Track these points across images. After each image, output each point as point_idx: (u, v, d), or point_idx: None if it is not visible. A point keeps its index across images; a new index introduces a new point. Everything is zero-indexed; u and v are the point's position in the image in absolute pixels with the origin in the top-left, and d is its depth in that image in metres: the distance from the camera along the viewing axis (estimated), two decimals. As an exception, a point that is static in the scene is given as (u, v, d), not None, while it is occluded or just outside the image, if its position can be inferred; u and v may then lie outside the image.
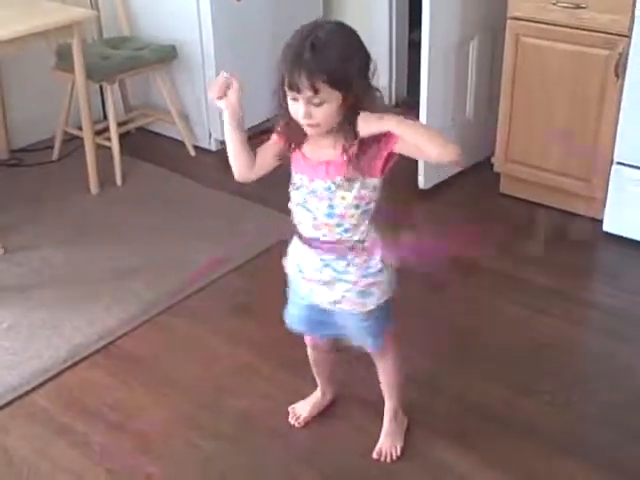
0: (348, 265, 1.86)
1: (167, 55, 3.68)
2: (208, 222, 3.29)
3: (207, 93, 1.75)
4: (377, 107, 1.73)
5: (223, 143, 3.76)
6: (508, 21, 3.13)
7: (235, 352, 2.58)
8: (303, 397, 2.34)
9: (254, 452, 2.21)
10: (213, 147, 3.92)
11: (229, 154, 1.85)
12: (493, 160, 3.47)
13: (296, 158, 1.82)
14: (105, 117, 3.72)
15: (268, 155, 1.85)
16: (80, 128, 3.51)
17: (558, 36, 3.04)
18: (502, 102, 3.29)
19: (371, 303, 1.91)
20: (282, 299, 2.70)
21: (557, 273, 2.95)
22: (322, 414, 2.32)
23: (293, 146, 1.80)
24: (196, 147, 3.91)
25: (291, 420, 2.29)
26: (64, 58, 3.45)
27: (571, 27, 2.99)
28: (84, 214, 3.39)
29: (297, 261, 1.94)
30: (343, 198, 1.78)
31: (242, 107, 1.76)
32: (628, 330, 2.68)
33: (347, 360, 2.31)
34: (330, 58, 1.63)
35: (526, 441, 2.22)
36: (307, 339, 2.18)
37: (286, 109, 1.72)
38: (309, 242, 1.87)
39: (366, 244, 1.86)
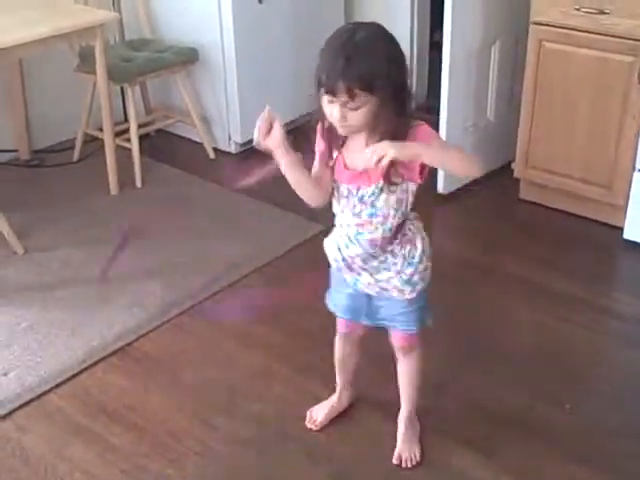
0: (394, 257, 1.91)
1: (188, 57, 3.69)
2: (227, 223, 3.30)
3: (254, 136, 1.76)
4: (409, 110, 1.75)
5: (243, 145, 3.89)
6: (531, 26, 3.11)
7: (252, 356, 2.58)
8: (319, 401, 2.34)
9: (269, 456, 2.21)
10: (233, 149, 3.93)
11: (295, 187, 1.85)
12: (513, 166, 3.45)
13: (339, 168, 1.85)
14: (126, 119, 3.73)
15: (323, 169, 1.87)
16: (101, 129, 3.53)
17: (581, 42, 3.01)
18: (523, 107, 3.27)
19: (414, 291, 1.96)
20: (301, 303, 2.73)
21: (577, 280, 2.93)
22: (338, 418, 2.31)
23: (335, 153, 1.83)
24: (216, 150, 3.92)
25: (308, 424, 2.29)
26: (86, 60, 3.47)
27: (594, 33, 2.97)
28: (104, 215, 3.40)
29: (341, 250, 1.95)
30: (386, 200, 1.82)
31: (287, 140, 1.76)
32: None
33: (362, 363, 2.30)
34: (366, 65, 1.65)
35: (543, 449, 2.20)
36: (343, 328, 2.18)
37: (322, 109, 1.74)
38: (356, 238, 1.90)
39: (408, 236, 1.90)
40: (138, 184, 3.62)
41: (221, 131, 3.92)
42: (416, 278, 1.94)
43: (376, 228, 1.87)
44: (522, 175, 3.41)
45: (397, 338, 2.10)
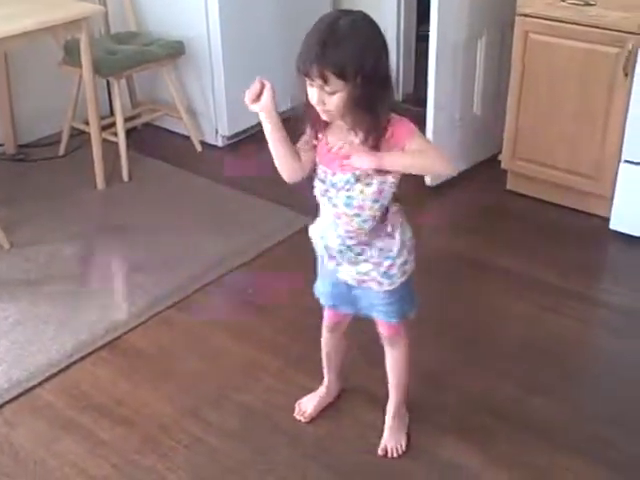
0: (370, 248, 1.91)
1: (175, 50, 3.67)
2: (214, 217, 3.30)
3: (244, 98, 1.76)
4: (387, 104, 1.75)
5: (229, 139, 3.89)
6: (517, 18, 3.12)
7: (241, 348, 2.58)
8: (308, 393, 2.34)
9: (260, 448, 2.21)
10: (220, 143, 3.92)
11: (274, 156, 1.86)
12: (500, 157, 3.46)
13: (320, 149, 1.85)
14: (112, 112, 3.71)
15: (308, 148, 1.86)
16: (87, 123, 3.51)
17: (567, 33, 3.02)
18: (510, 99, 3.28)
19: (393, 284, 1.95)
20: (290, 295, 2.73)
21: (565, 271, 2.94)
22: (327, 410, 2.32)
23: (318, 134, 1.83)
24: (203, 143, 3.91)
25: (297, 415, 2.30)
26: (71, 53, 3.45)
27: (580, 24, 2.98)
28: (91, 209, 3.39)
29: (322, 238, 1.96)
30: (362, 192, 1.82)
31: (276, 107, 1.77)
32: (637, 328, 2.67)
33: (352, 356, 2.31)
34: (341, 53, 1.65)
35: (536, 439, 2.21)
36: (328, 318, 2.18)
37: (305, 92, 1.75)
38: (334, 229, 1.90)
39: (387, 229, 1.90)
40: (125, 178, 3.60)
41: (208, 124, 3.91)
42: (394, 271, 1.94)
43: (351, 220, 1.86)
44: (509, 166, 3.42)
45: (381, 326, 2.10)
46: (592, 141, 3.11)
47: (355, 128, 1.76)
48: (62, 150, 3.81)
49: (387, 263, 1.92)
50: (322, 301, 2.13)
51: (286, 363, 2.50)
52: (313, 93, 1.71)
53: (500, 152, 3.46)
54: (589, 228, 3.22)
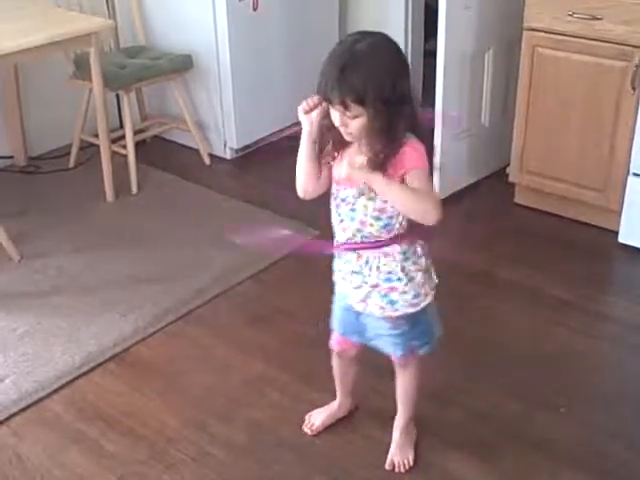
0: (369, 268, 1.90)
1: (183, 64, 3.70)
2: (222, 230, 3.28)
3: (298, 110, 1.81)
4: (409, 123, 1.74)
5: (238, 151, 3.90)
6: (524, 32, 3.13)
7: (249, 362, 2.58)
8: (316, 407, 2.34)
9: (266, 462, 2.21)
10: (228, 156, 3.94)
11: (299, 171, 1.89)
12: (508, 170, 3.47)
13: (337, 167, 1.87)
14: (121, 125, 3.74)
15: (327, 167, 1.89)
16: (96, 136, 3.54)
17: (574, 47, 3.03)
18: (517, 112, 3.28)
19: (395, 310, 1.94)
20: (298, 309, 2.73)
21: (573, 284, 2.94)
22: (335, 424, 2.31)
23: (337, 154, 1.85)
24: (211, 156, 3.93)
25: (305, 427, 2.30)
26: (81, 67, 3.48)
27: (587, 38, 2.98)
28: (100, 222, 3.41)
29: (336, 263, 1.99)
30: (365, 206, 1.84)
31: (320, 129, 1.81)
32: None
33: (361, 371, 2.30)
34: (359, 79, 1.66)
35: (541, 454, 2.20)
36: (335, 345, 2.18)
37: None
38: (341, 246, 1.92)
39: (387, 250, 1.88)
40: (134, 190, 3.62)
41: (216, 137, 3.93)
42: (396, 297, 1.92)
43: (354, 234, 1.87)
44: (517, 180, 3.42)
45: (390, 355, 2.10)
46: (600, 154, 3.11)
47: (371, 147, 1.76)
48: (72, 162, 3.84)
49: (386, 286, 1.91)
50: (334, 327, 2.13)
51: (293, 377, 2.50)
52: (336, 116, 1.74)
53: (508, 165, 3.46)
54: (598, 241, 3.21)
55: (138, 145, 3.72)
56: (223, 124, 3.86)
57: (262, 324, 2.75)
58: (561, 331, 2.71)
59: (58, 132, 3.88)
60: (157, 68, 3.60)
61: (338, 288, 2.03)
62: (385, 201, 1.81)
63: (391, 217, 1.84)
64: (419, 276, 1.92)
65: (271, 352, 2.62)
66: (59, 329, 2.72)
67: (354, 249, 1.90)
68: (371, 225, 1.85)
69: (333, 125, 1.78)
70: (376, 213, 1.84)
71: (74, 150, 3.81)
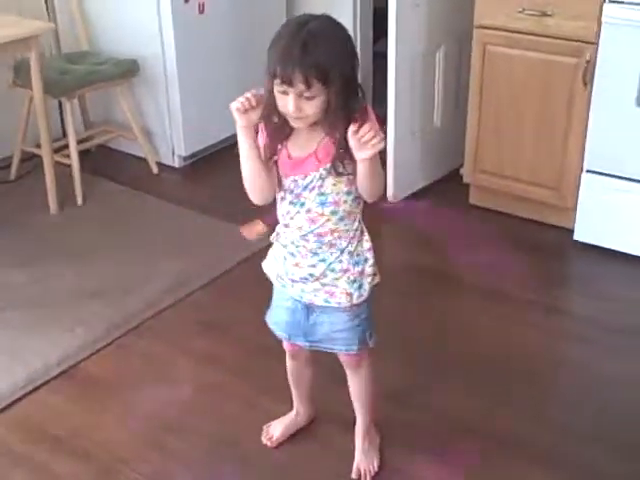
0: (342, 253, 1.83)
1: (128, 70, 3.58)
2: (172, 239, 3.21)
3: (231, 106, 1.70)
4: (360, 104, 1.70)
5: (187, 159, 3.79)
6: (475, 30, 3.10)
7: (204, 373, 2.49)
8: (274, 418, 2.26)
9: (226, 475, 2.11)
10: (177, 164, 3.83)
11: (248, 176, 1.79)
12: (462, 171, 3.43)
13: (283, 161, 1.78)
14: (65, 134, 3.61)
15: (271, 165, 1.80)
16: (39, 146, 3.40)
17: (525, 44, 3.01)
18: (470, 111, 3.25)
19: (360, 295, 1.87)
20: (251, 317, 2.63)
21: (530, 283, 2.91)
22: (296, 435, 2.23)
23: (279, 146, 1.76)
24: (159, 164, 3.81)
25: (264, 439, 2.21)
26: (21, 73, 3.35)
27: (538, 35, 2.96)
28: (43, 234, 3.27)
29: (283, 264, 1.89)
30: (334, 185, 1.75)
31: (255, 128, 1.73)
32: (603, 337, 2.64)
33: (318, 375, 2.22)
34: (323, 53, 1.61)
35: (508, 455, 2.15)
36: (287, 347, 2.10)
37: (272, 102, 1.68)
38: (303, 238, 1.82)
39: (357, 231, 1.84)
40: (79, 201, 3.49)
41: (164, 145, 3.82)
42: (364, 279, 1.87)
43: (328, 219, 1.78)
44: (471, 180, 3.39)
45: (342, 357, 2.03)
46: (554, 152, 3.09)
47: (331, 132, 1.69)
48: (13, 174, 3.69)
49: (357, 269, 1.85)
50: (277, 332, 2.04)
51: (250, 387, 2.41)
52: (289, 101, 1.64)
53: (462, 166, 3.43)
54: (554, 240, 3.19)
55: (83, 155, 3.60)
56: (171, 131, 3.75)
57: (216, 334, 2.66)
58: (520, 329, 2.68)
59: (-2, 143, 3.74)
60: (101, 73, 3.48)
61: (287, 289, 1.92)
62: (354, 173, 1.73)
63: (356, 189, 1.77)
64: (371, 254, 1.87)
65: (226, 362, 2.53)
66: (1, 347, 2.58)
67: (329, 243, 1.81)
68: (344, 202, 1.78)
69: (271, 116, 1.70)
70: (347, 188, 1.76)
71: (15, 161, 3.67)
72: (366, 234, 1.87)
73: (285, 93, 1.64)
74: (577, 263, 3.15)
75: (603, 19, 2.79)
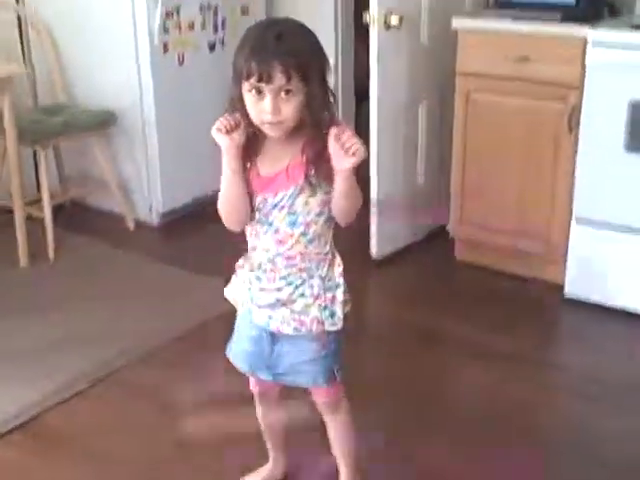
0: (311, 278, 1.70)
1: (105, 120, 3.51)
2: (145, 293, 3.08)
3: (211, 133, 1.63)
4: (332, 109, 1.63)
5: (165, 216, 3.68)
6: (457, 77, 3.07)
7: (172, 425, 2.30)
8: (249, 473, 2.08)
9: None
10: (154, 220, 3.71)
11: (229, 199, 1.68)
12: (448, 227, 3.33)
13: (253, 179, 1.67)
14: (39, 188, 3.50)
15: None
16: (11, 197, 3.29)
17: (508, 90, 2.97)
18: (454, 162, 3.18)
19: (333, 324, 1.73)
20: (226, 370, 2.48)
21: (522, 340, 2.78)
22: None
23: (248, 164, 1.65)
24: (136, 221, 3.70)
25: (239, 496, 2.02)
26: (-6, 122, 3.27)
27: (521, 80, 2.93)
28: (10, 288, 3.12)
29: (248, 290, 1.76)
30: (306, 203, 1.65)
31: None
32: (595, 391, 2.51)
33: (298, 429, 2.07)
34: (299, 44, 1.55)
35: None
36: (253, 387, 1.94)
37: (243, 113, 1.59)
38: (271, 261, 1.70)
39: (328, 255, 1.72)
40: (51, 255, 3.36)
41: (141, 200, 3.71)
42: (336, 306, 1.73)
43: (297, 241, 1.67)
44: (457, 233, 3.29)
45: (317, 393, 1.87)
46: (541, 200, 3.01)
47: (314, 134, 1.59)
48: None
49: (329, 295, 1.71)
50: (237, 365, 1.87)
51: (226, 439, 2.22)
52: (265, 102, 1.54)
53: (447, 221, 3.33)
54: (543, 296, 3.07)
55: (57, 210, 3.51)
56: (148, 185, 3.66)
57: (188, 386, 2.49)
58: (513, 384, 2.54)
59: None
60: (77, 123, 3.41)
61: (253, 316, 1.77)
62: (328, 193, 1.63)
63: (329, 210, 1.67)
64: (342, 280, 1.74)
65: (199, 414, 2.35)
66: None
67: (299, 267, 1.69)
68: (315, 223, 1.67)
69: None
70: (319, 208, 1.66)
71: (-15, 214, 3.55)
72: (338, 258, 1.74)
73: (260, 94, 1.54)
74: (568, 318, 3.03)
75: (587, 63, 2.76)
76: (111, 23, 3.51)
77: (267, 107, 1.54)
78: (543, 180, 2.99)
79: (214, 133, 1.61)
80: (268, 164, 1.65)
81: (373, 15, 2.99)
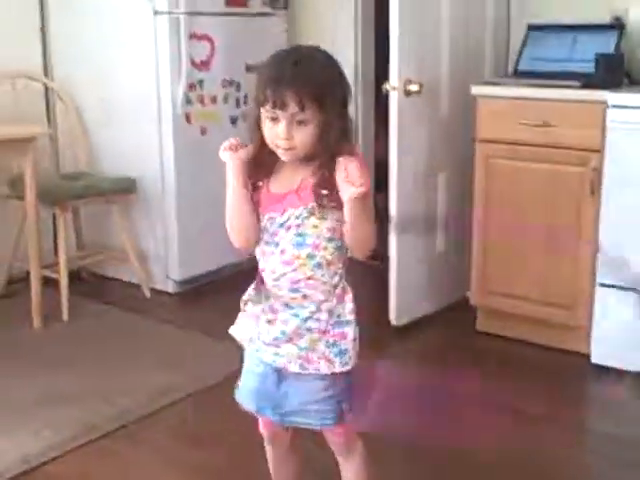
0: (318, 310, 1.63)
1: (126, 186, 3.54)
2: (157, 354, 3.02)
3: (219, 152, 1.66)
4: (350, 139, 1.61)
5: (182, 285, 3.64)
6: (477, 143, 3.07)
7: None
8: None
9: None
10: (170, 289, 3.68)
11: (235, 216, 1.66)
12: (469, 294, 3.26)
13: (263, 197, 1.64)
14: (56, 253, 3.49)
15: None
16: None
17: (528, 155, 2.96)
18: (475, 229, 3.14)
19: (342, 363, 1.64)
20: (239, 429, 2.39)
21: (549, 403, 2.68)
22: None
23: (260, 183, 1.63)
24: (152, 289, 3.67)
25: None
26: (16, 186, 3.31)
27: (541, 145, 2.93)
28: (22, 345, 3.09)
29: (256, 325, 1.69)
30: (315, 227, 1.59)
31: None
32: (630, 457, 2.38)
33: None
34: (317, 73, 1.53)
35: None
36: (263, 429, 1.83)
37: (259, 135, 1.59)
38: (275, 284, 1.64)
39: (337, 290, 1.64)
40: (65, 317, 3.32)
41: (158, 268, 3.68)
42: (346, 345, 1.65)
43: (303, 263, 1.60)
44: (478, 302, 3.21)
45: (328, 434, 1.77)
46: (564, 266, 2.95)
47: (321, 166, 1.57)
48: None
49: (338, 331, 1.64)
50: (244, 404, 1.79)
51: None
52: (280, 128, 1.53)
53: (468, 290, 3.27)
54: (569, 364, 2.96)
55: (73, 277, 3.48)
56: (166, 254, 3.64)
57: (201, 444, 2.39)
58: (542, 445, 2.41)
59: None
60: (97, 188, 3.44)
61: (258, 353, 1.70)
62: (339, 221, 1.59)
63: (341, 238, 1.61)
64: (354, 317, 1.66)
65: (214, 471, 2.24)
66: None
67: (304, 294, 1.63)
68: (325, 249, 1.61)
69: (259, 150, 1.61)
70: (329, 234, 1.60)
71: (1, 278, 3.53)
72: (350, 294, 1.67)
73: (276, 120, 1.54)
74: (597, 384, 2.90)
75: (607, 125, 2.76)
76: (135, 93, 3.58)
77: (281, 133, 1.54)
78: (566, 244, 2.93)
79: (221, 152, 1.63)
80: (279, 183, 1.63)
81: (393, 84, 3.04)
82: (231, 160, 1.62)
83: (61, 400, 2.61)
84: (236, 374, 2.68)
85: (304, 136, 1.54)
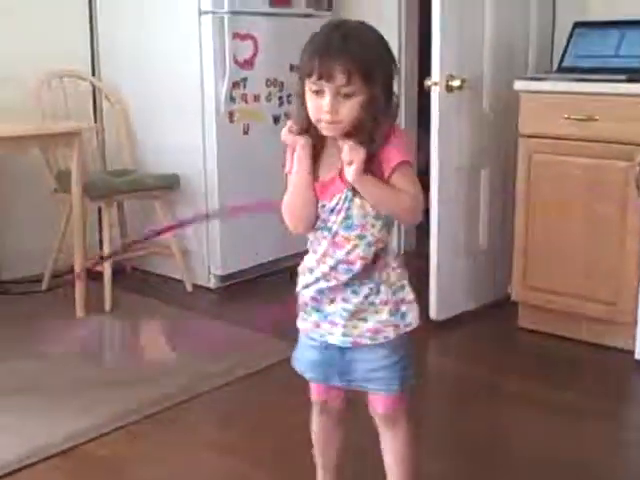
0: (376, 284, 1.65)
1: (170, 183, 3.59)
2: (197, 344, 2.99)
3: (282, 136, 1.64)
4: (394, 115, 1.61)
5: (223, 280, 3.67)
6: (520, 139, 3.06)
7: (225, 462, 2.22)
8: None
9: None
10: (212, 284, 3.71)
11: (297, 204, 1.64)
12: (510, 289, 3.24)
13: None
14: (101, 248, 3.56)
15: None
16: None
17: (572, 150, 2.93)
18: (517, 224, 3.12)
19: (408, 324, 1.67)
20: (278, 416, 2.43)
21: (591, 398, 2.64)
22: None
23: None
24: (193, 285, 3.70)
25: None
26: (62, 181, 3.38)
27: (585, 140, 2.89)
28: (64, 334, 3.10)
29: (314, 302, 1.70)
30: (362, 206, 1.60)
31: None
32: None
33: (347, 459, 1.92)
34: (365, 46, 1.53)
35: None
36: (317, 396, 1.83)
37: (303, 110, 1.58)
38: (332, 269, 1.65)
39: (389, 260, 1.66)
40: (107, 308, 3.39)
41: (200, 263, 3.72)
42: (405, 308, 1.67)
43: (356, 245, 1.61)
44: (520, 297, 3.18)
45: (377, 403, 1.76)
46: (608, 263, 2.91)
47: (364, 138, 1.56)
48: (45, 284, 3.61)
49: (396, 298, 1.66)
50: (304, 374, 1.79)
51: (277, 477, 2.12)
52: (324, 102, 1.52)
53: (509, 283, 3.24)
54: (612, 360, 2.92)
55: (116, 273, 3.54)
56: (208, 249, 3.68)
57: (239, 429, 2.41)
58: (576, 438, 2.38)
59: (33, 258, 3.68)
60: (142, 184, 3.50)
61: (325, 338, 1.70)
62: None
63: (388, 217, 1.63)
64: (407, 281, 1.68)
65: (251, 451, 2.27)
66: (8, 426, 2.40)
67: (359, 275, 1.63)
68: (373, 226, 1.61)
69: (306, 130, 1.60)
70: (374, 212, 1.61)
71: (48, 271, 3.60)
72: (398, 261, 1.69)
73: (320, 93, 1.53)
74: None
75: (654, 116, 2.73)
76: (179, 91, 3.64)
77: (325, 106, 1.53)
78: (610, 241, 2.89)
79: (285, 135, 1.62)
80: (325, 169, 1.63)
81: (435, 79, 3.05)
82: (302, 142, 1.60)
83: (100, 384, 2.68)
84: (275, 364, 2.77)
85: (349, 110, 1.53)
